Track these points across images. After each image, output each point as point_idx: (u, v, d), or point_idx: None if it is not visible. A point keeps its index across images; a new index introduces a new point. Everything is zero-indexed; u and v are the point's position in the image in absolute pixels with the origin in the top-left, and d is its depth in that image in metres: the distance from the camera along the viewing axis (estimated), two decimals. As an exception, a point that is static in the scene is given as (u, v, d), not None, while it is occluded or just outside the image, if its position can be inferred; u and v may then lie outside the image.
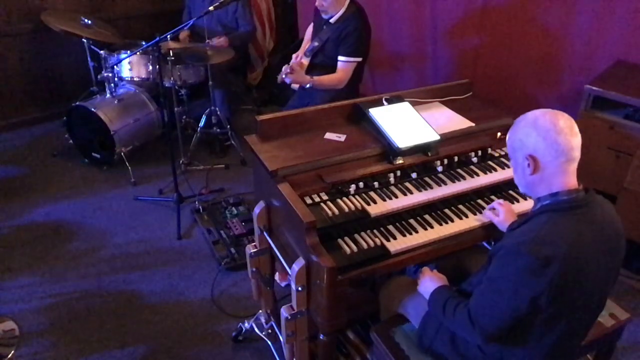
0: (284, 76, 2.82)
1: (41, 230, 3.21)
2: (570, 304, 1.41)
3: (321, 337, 1.82)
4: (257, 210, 2.04)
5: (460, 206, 1.98)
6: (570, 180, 1.44)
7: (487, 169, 2.10)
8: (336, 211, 1.81)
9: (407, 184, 1.98)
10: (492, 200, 1.99)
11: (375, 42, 3.38)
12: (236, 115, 4.42)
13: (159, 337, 2.52)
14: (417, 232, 1.85)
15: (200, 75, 3.86)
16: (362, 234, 1.82)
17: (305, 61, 3.08)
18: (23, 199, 3.49)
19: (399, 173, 2.01)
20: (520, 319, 1.41)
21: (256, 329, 2.44)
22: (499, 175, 2.08)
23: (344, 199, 1.88)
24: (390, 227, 1.86)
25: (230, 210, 3.33)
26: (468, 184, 2.02)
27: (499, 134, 2.25)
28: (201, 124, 3.92)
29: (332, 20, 2.96)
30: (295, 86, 3.00)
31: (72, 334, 2.53)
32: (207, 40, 3.74)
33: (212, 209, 3.35)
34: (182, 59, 3.60)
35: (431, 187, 1.98)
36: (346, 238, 1.79)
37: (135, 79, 3.76)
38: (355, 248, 1.74)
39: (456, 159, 2.12)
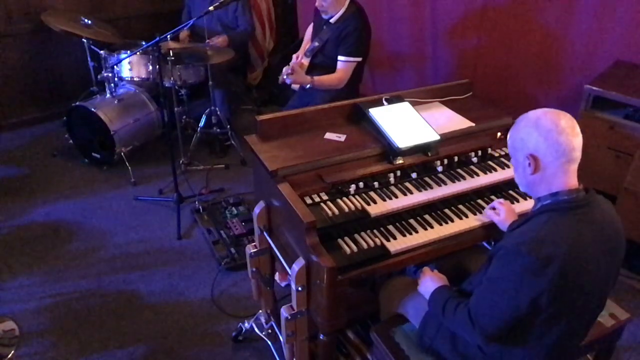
0: (285, 77, 2.82)
1: (41, 230, 3.21)
2: (570, 304, 1.41)
3: (321, 337, 1.82)
4: (257, 210, 2.04)
5: (460, 206, 1.98)
6: (570, 180, 1.44)
7: (487, 169, 2.10)
8: (336, 211, 1.81)
9: (407, 184, 1.98)
10: (492, 200, 1.99)
11: (375, 42, 3.38)
12: (236, 115, 4.42)
13: (159, 337, 2.52)
14: (417, 232, 1.85)
15: (200, 75, 3.86)
16: (362, 234, 1.82)
17: (306, 61, 3.08)
18: (23, 199, 3.49)
19: (399, 173, 2.01)
20: (520, 319, 1.41)
21: (256, 329, 2.44)
22: (499, 175, 2.08)
23: (344, 199, 1.88)
24: (390, 227, 1.86)
25: (230, 210, 3.33)
26: (468, 184, 2.02)
27: (499, 134, 2.25)
28: (201, 124, 3.92)
29: (332, 21, 2.96)
30: (295, 86, 3.00)
31: (72, 334, 2.53)
32: (207, 40, 3.74)
33: (212, 209, 3.35)
34: (182, 59, 3.60)
35: (431, 187, 1.98)
36: (346, 238, 1.79)
37: (135, 79, 3.76)
38: (355, 248, 1.74)
39: (456, 159, 2.12)
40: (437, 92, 2.41)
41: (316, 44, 3.03)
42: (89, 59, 3.86)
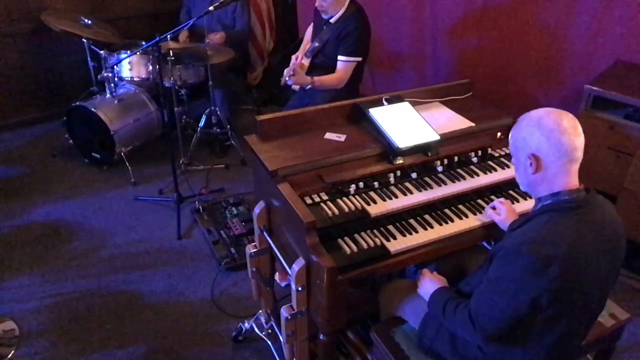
0: (287, 79, 2.82)
1: (41, 230, 3.21)
2: (571, 304, 1.41)
3: (321, 337, 1.82)
4: (257, 210, 2.04)
5: (460, 206, 1.98)
6: (571, 180, 1.44)
7: (487, 169, 2.10)
8: (336, 211, 1.81)
9: (407, 184, 1.98)
10: (492, 200, 1.99)
11: (375, 42, 3.38)
12: (236, 115, 4.43)
13: (159, 337, 2.52)
14: (417, 232, 1.85)
15: (200, 75, 3.86)
16: (362, 234, 1.82)
17: (306, 62, 3.08)
18: (23, 199, 3.49)
19: (399, 173, 2.01)
20: (520, 319, 1.41)
21: (256, 329, 2.44)
22: (499, 175, 2.08)
23: (344, 199, 1.88)
24: (390, 227, 1.86)
25: (230, 210, 3.33)
26: (468, 184, 2.02)
27: (499, 134, 2.25)
28: (201, 124, 3.92)
29: (332, 21, 2.96)
30: (295, 87, 3.01)
31: (72, 334, 2.53)
32: (206, 38, 3.73)
33: (212, 209, 3.35)
34: (182, 59, 3.60)
35: (431, 187, 1.98)
36: (346, 238, 1.79)
37: (135, 79, 3.76)
38: (355, 248, 1.74)
39: (456, 159, 2.12)
40: (437, 92, 2.41)
41: (316, 44, 3.03)
42: (89, 59, 3.86)
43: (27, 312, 2.64)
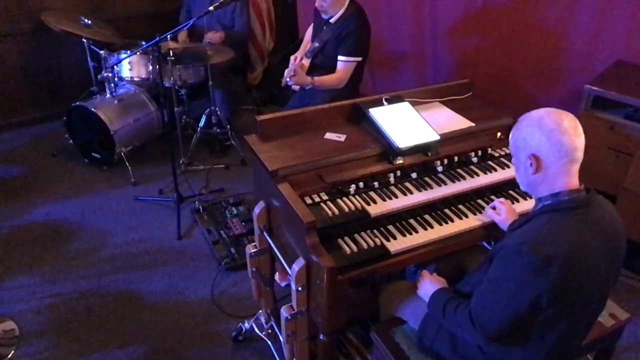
0: (287, 79, 2.82)
1: (41, 230, 3.21)
2: (571, 304, 1.41)
3: (321, 337, 1.82)
4: (257, 210, 2.04)
5: (460, 206, 1.98)
6: (572, 180, 1.44)
7: (487, 169, 2.10)
8: (336, 211, 1.81)
9: (407, 184, 1.98)
10: (492, 200, 1.99)
11: (375, 42, 3.38)
12: (236, 115, 4.43)
13: (159, 337, 2.52)
14: (417, 232, 1.85)
15: (200, 75, 3.86)
16: (362, 234, 1.82)
17: (306, 62, 3.08)
18: (23, 199, 3.49)
19: (399, 173, 2.01)
20: (521, 319, 1.41)
21: (256, 329, 2.44)
22: (499, 175, 2.08)
23: (344, 199, 1.88)
24: (390, 227, 1.86)
25: (230, 210, 3.33)
26: (468, 184, 2.02)
27: (499, 134, 2.25)
28: (201, 124, 3.92)
29: (332, 21, 2.96)
30: (295, 87, 3.01)
31: (72, 334, 2.53)
32: (205, 36, 3.72)
33: (212, 209, 3.35)
34: (182, 59, 3.60)
35: (431, 187, 1.98)
36: (346, 238, 1.79)
37: (135, 79, 3.76)
38: (355, 248, 1.74)
39: (456, 159, 2.12)
40: (437, 92, 2.41)
41: (316, 44, 3.03)
42: (89, 59, 3.86)
43: (27, 312, 2.64)
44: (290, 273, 1.78)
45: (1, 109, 4.24)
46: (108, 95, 3.69)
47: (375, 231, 1.84)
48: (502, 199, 1.96)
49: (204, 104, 3.94)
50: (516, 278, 1.37)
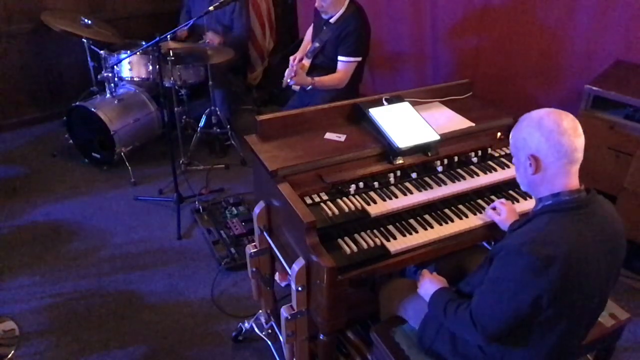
0: (288, 80, 2.82)
1: (41, 230, 3.21)
2: (571, 305, 1.41)
3: (321, 337, 1.82)
4: (257, 210, 2.04)
5: (460, 206, 1.98)
6: (572, 181, 1.44)
7: (487, 169, 2.10)
8: (336, 211, 1.81)
9: (407, 184, 1.98)
10: (492, 201, 1.99)
11: (375, 42, 3.38)
12: (236, 115, 4.42)
13: (159, 337, 2.52)
14: (417, 232, 1.85)
15: (200, 75, 3.86)
16: (362, 234, 1.82)
17: (307, 62, 3.08)
18: (23, 199, 3.49)
19: (399, 173, 2.01)
20: (521, 319, 1.41)
21: (256, 329, 2.44)
22: (499, 175, 2.08)
23: (344, 199, 1.88)
24: (390, 227, 1.86)
25: (230, 210, 3.33)
26: (468, 184, 2.02)
27: (499, 134, 2.25)
28: (201, 124, 3.92)
29: (332, 21, 2.96)
30: (296, 87, 3.01)
31: (72, 334, 2.53)
32: (205, 38, 3.72)
33: (212, 209, 3.35)
34: (182, 59, 3.60)
35: (431, 187, 1.98)
36: (346, 238, 1.79)
37: (135, 79, 3.76)
38: (355, 248, 1.74)
39: (456, 159, 2.12)
40: (437, 92, 2.41)
41: (317, 44, 3.03)
42: (89, 59, 3.86)
43: (27, 312, 2.64)
44: (290, 273, 1.78)
45: (1, 109, 4.24)
46: (108, 95, 3.69)
47: (375, 231, 1.84)
48: (502, 200, 1.96)
49: (204, 104, 3.94)
50: (516, 278, 1.37)
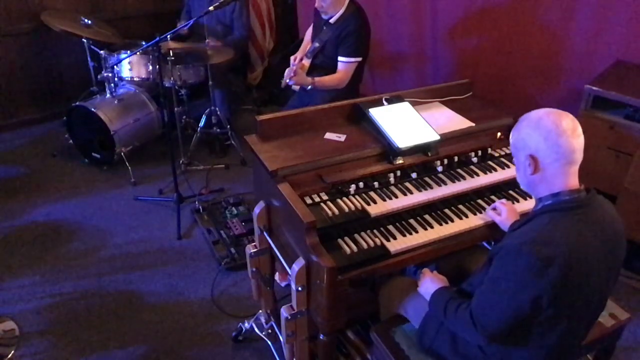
0: (288, 80, 2.82)
1: (41, 230, 3.21)
2: (571, 305, 1.41)
3: (321, 337, 1.82)
4: (257, 210, 2.04)
5: (461, 206, 1.98)
6: (571, 181, 1.44)
7: (487, 169, 2.10)
8: (336, 211, 1.81)
9: (407, 184, 1.98)
10: (493, 201, 2.00)
11: (375, 42, 3.38)
12: (236, 115, 4.42)
13: (159, 337, 2.52)
14: (417, 232, 1.85)
15: (200, 75, 3.86)
16: (362, 234, 1.82)
17: (307, 62, 3.08)
18: (23, 199, 3.49)
19: (399, 173, 2.01)
20: (521, 319, 1.41)
21: (256, 329, 2.44)
22: (499, 175, 2.08)
23: (344, 199, 1.88)
24: (390, 227, 1.86)
25: (230, 210, 3.33)
26: (468, 184, 2.02)
27: (499, 134, 2.25)
28: (201, 124, 3.92)
29: (331, 21, 2.96)
30: (296, 87, 3.01)
31: (72, 334, 2.53)
32: (207, 40, 3.73)
33: (212, 209, 3.35)
34: (182, 59, 3.60)
35: (431, 187, 1.98)
36: (346, 238, 1.79)
37: (135, 79, 3.76)
38: (355, 248, 1.74)
39: (456, 159, 2.12)
40: (437, 92, 2.41)
41: (316, 44, 3.03)
42: (89, 59, 3.86)
43: (27, 312, 2.64)
44: (290, 273, 1.78)
45: (1, 109, 4.24)
46: (108, 95, 3.69)
47: (375, 231, 1.84)
48: (503, 200, 1.96)
49: (204, 104, 3.94)
50: (516, 278, 1.37)
